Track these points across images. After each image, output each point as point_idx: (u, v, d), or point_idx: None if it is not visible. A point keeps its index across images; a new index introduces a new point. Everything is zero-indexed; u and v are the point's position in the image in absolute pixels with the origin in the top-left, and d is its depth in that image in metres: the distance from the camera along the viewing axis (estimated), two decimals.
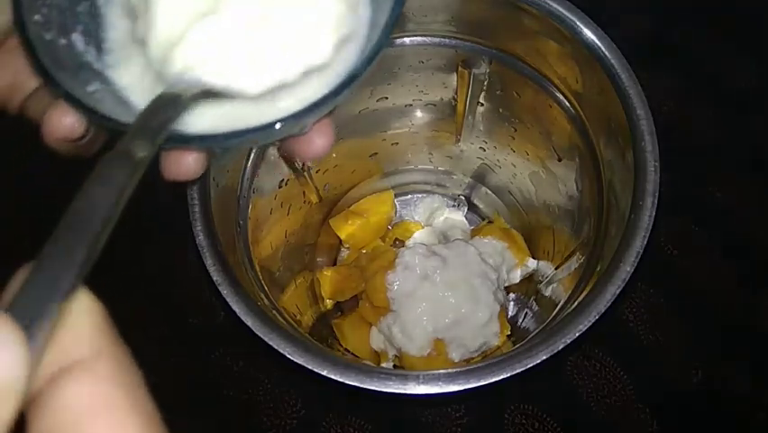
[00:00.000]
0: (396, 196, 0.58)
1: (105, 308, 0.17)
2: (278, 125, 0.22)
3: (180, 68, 0.23)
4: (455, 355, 0.48)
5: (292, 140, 0.26)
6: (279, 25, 0.24)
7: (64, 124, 0.23)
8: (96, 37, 0.26)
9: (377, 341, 0.51)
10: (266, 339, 0.34)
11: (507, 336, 0.49)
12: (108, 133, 0.24)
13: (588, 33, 0.39)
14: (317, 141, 0.26)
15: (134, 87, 0.25)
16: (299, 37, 0.24)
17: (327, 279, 0.53)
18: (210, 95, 0.24)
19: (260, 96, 0.24)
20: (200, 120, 0.24)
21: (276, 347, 0.34)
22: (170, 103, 0.22)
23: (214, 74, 0.23)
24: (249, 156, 0.43)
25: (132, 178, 0.19)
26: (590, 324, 0.34)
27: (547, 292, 0.49)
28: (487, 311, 0.48)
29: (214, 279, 0.35)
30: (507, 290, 0.53)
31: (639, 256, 0.35)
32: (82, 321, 0.16)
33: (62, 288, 0.15)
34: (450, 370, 0.34)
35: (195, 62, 0.23)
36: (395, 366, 0.50)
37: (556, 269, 0.48)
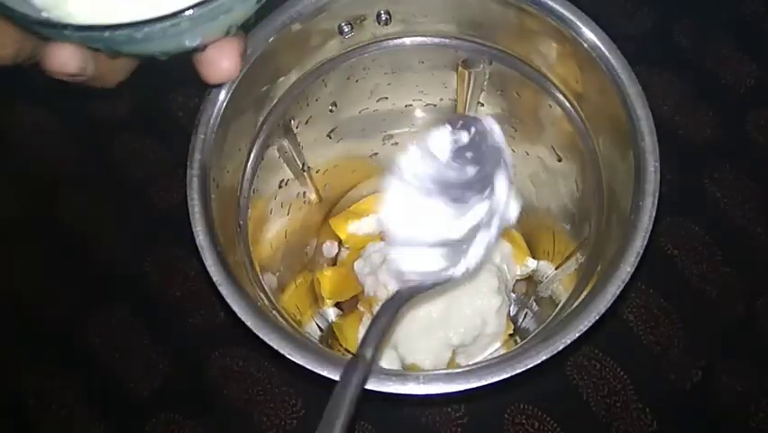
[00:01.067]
0: None
1: None
2: (146, 28, 0.21)
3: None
4: (461, 360, 0.48)
5: (196, 60, 0.25)
6: None
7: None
8: None
9: None
10: (266, 339, 0.34)
11: (510, 335, 0.49)
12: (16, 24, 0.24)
13: (588, 33, 0.39)
14: (221, 63, 0.24)
15: None
16: None
17: (327, 279, 0.53)
18: None
19: None
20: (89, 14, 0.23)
21: (276, 347, 0.34)
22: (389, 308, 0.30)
23: None
24: (249, 156, 0.43)
25: (365, 376, 0.27)
26: (590, 324, 0.34)
27: (547, 292, 0.49)
28: (493, 314, 0.47)
29: (214, 279, 0.35)
30: None
31: (639, 256, 0.35)
32: None
33: None
34: (450, 370, 0.34)
35: None
36: None
37: (556, 269, 0.48)
